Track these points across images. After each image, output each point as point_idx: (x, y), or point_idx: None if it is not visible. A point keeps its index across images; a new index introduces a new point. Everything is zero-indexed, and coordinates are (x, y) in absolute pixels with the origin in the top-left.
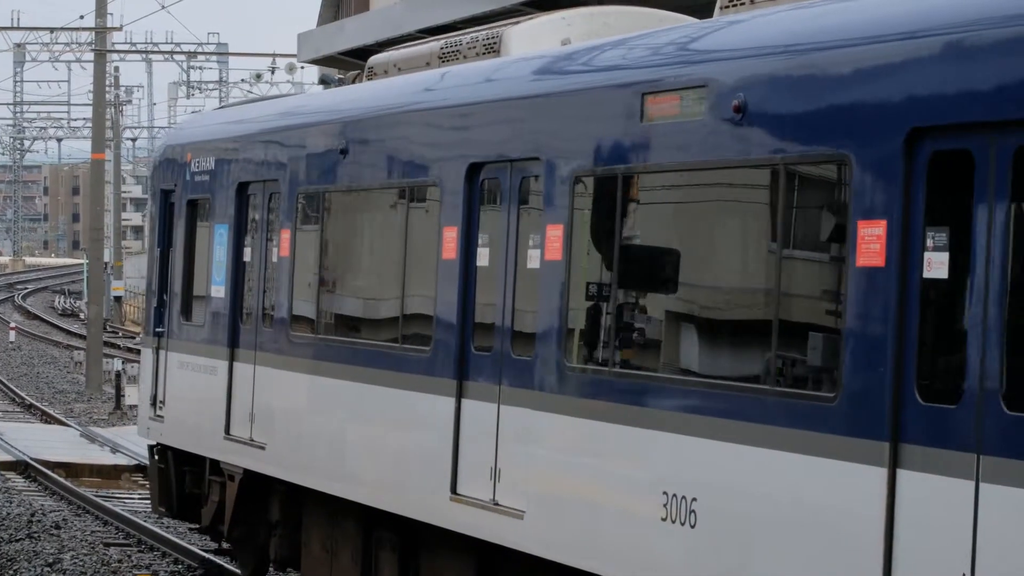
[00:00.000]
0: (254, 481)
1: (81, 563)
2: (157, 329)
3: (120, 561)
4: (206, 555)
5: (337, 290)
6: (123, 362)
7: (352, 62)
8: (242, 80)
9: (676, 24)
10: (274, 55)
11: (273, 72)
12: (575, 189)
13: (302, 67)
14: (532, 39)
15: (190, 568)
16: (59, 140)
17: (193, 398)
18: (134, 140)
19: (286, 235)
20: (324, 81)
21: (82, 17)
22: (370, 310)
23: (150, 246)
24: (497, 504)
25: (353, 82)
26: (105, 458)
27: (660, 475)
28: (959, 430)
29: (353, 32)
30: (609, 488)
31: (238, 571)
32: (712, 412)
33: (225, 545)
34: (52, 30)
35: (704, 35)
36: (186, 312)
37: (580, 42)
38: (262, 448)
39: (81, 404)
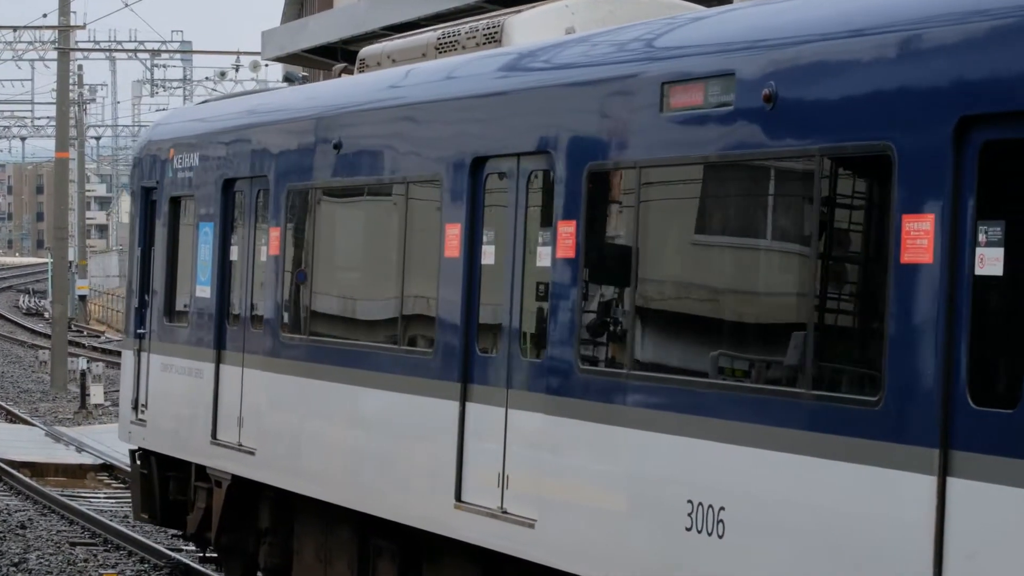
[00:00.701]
0: (242, 487)
1: (47, 563)
2: (138, 330)
3: (86, 560)
4: (172, 554)
5: (332, 290)
6: (88, 361)
7: (317, 60)
8: (206, 78)
9: (685, 11)
10: (238, 53)
11: (237, 70)
12: (589, 184)
13: (266, 65)
14: (535, 28)
15: (156, 567)
16: (23, 139)
17: (177, 401)
18: (98, 139)
19: (276, 233)
20: (288, 79)
21: (45, 15)
22: (367, 310)
23: (130, 245)
24: (506, 512)
25: (339, 76)
26: (71, 457)
27: (683, 483)
28: (1016, 436)
29: (317, 30)
30: (628, 496)
31: (205, 570)
32: (741, 417)
33: (211, 552)
34: (15, 28)
35: (730, 20)
36: (169, 313)
37: (585, 31)
38: (251, 453)
39: (46, 403)
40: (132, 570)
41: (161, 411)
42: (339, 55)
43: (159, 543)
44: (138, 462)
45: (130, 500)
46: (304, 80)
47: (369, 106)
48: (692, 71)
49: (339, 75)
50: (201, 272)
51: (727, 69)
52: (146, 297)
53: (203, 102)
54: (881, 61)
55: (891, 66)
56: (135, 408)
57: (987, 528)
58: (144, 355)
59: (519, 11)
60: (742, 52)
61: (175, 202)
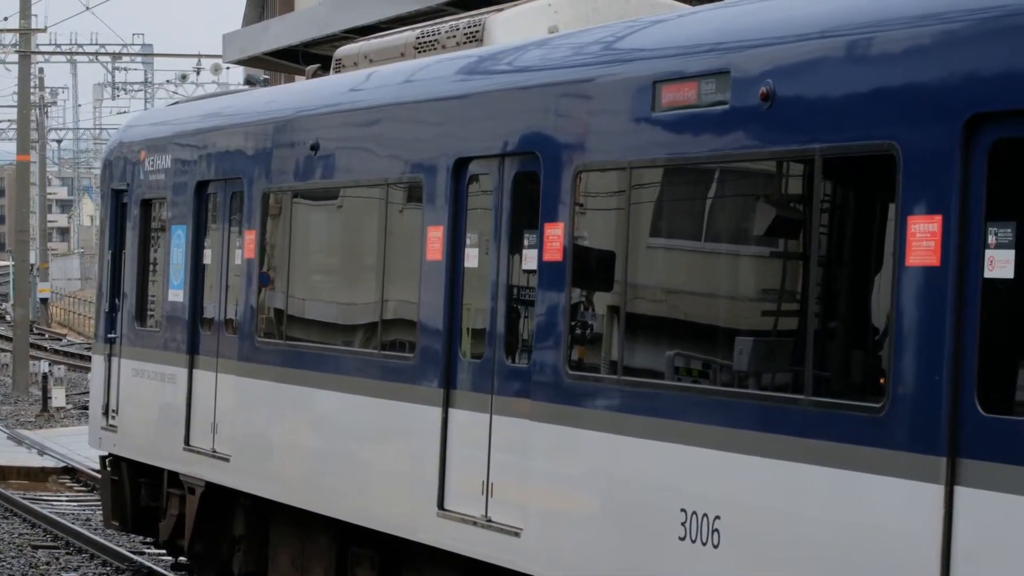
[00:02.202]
0: (216, 494)
1: (9, 566)
2: (109, 335)
3: (48, 563)
4: (134, 557)
5: (309, 294)
6: (50, 364)
7: (278, 63)
8: (167, 81)
9: (671, 9)
10: (199, 56)
11: (199, 73)
12: (577, 185)
13: (227, 68)
14: (517, 27)
15: (118, 570)
16: None
17: (149, 407)
18: (59, 142)
19: (251, 236)
20: (250, 82)
21: (6, 19)
22: (346, 315)
23: (100, 248)
24: (490, 521)
25: (313, 76)
26: (32, 460)
27: (677, 491)
28: None
29: (278, 33)
30: (618, 505)
31: (168, 573)
32: (737, 424)
33: (183, 560)
34: None
35: (725, 17)
36: (141, 317)
37: (569, 29)
38: (226, 460)
39: (7, 406)
40: (94, 573)
41: (132, 417)
42: (300, 58)
43: (121, 546)
44: (108, 468)
45: (92, 503)
46: (266, 83)
47: (347, 106)
48: (685, 69)
49: (312, 76)
50: (173, 276)
51: (722, 67)
52: (117, 301)
53: (174, 103)
54: (886, 57)
55: (896, 62)
56: (105, 414)
57: (996, 539)
58: (115, 360)
59: (500, 10)
60: (737, 49)
61: (146, 205)
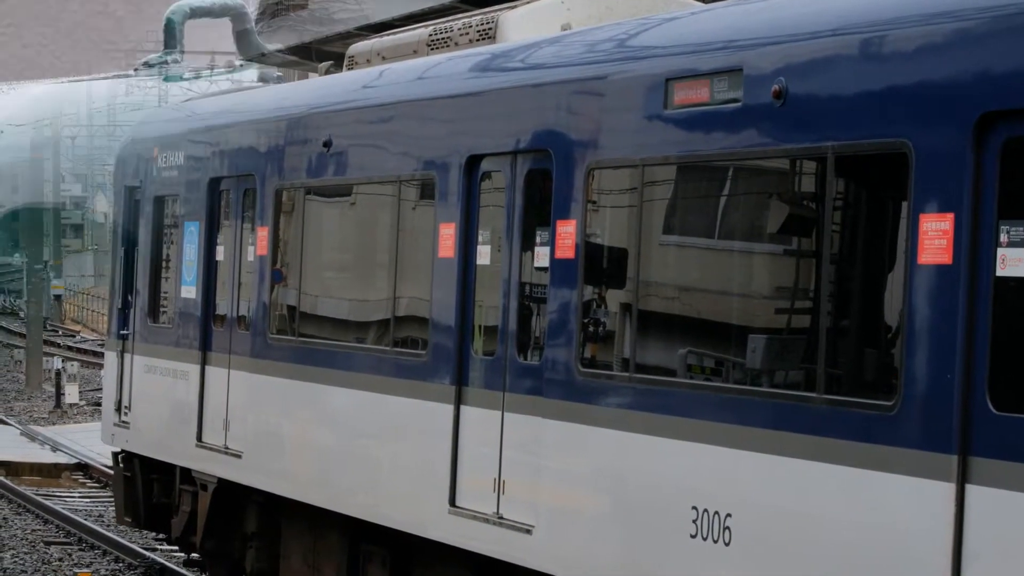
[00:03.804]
0: (228, 490)
1: (22, 562)
2: (121, 331)
3: (61, 560)
4: (146, 553)
5: (321, 291)
6: (63, 360)
7: (291, 60)
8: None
9: (683, 7)
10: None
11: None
12: (590, 182)
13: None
14: (530, 24)
15: (130, 566)
16: None
17: (161, 403)
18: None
19: (263, 233)
20: (263, 79)
21: None
22: (358, 311)
23: (113, 245)
24: (502, 518)
25: (326, 73)
26: (45, 456)
27: (688, 489)
28: None
29: (292, 30)
30: (630, 502)
31: (180, 569)
32: (750, 422)
33: (196, 556)
34: None
35: (737, 14)
36: (153, 314)
37: (581, 26)
38: (238, 456)
39: (21, 403)
40: (107, 569)
41: (145, 413)
42: (314, 55)
43: (134, 542)
44: (121, 464)
45: (105, 499)
46: (279, 80)
47: (359, 103)
48: (698, 67)
49: (325, 73)
50: (186, 272)
51: (734, 65)
52: (129, 298)
53: (187, 100)
54: (898, 56)
55: (908, 61)
56: (118, 410)
57: (1007, 537)
58: (127, 356)
59: (513, 7)
60: (750, 47)
61: (159, 201)
